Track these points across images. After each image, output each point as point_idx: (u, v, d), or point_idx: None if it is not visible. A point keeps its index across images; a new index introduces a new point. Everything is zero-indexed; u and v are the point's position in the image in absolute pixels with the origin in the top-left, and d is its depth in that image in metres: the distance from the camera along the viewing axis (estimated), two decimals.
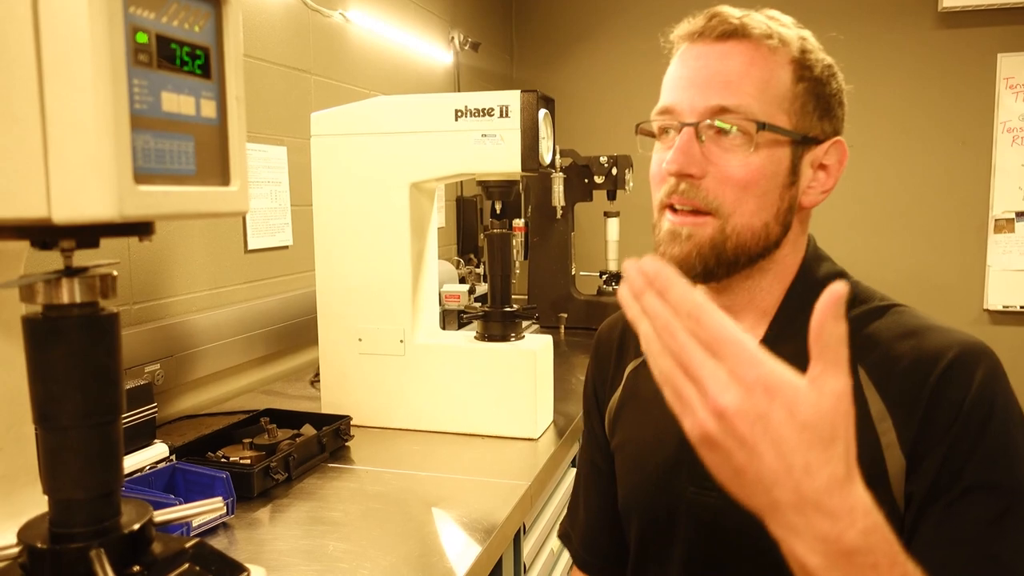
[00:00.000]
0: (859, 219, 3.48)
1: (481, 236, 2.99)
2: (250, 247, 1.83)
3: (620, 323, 0.95)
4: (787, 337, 0.74)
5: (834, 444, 0.47)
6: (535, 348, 1.47)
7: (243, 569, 0.56)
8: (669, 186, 0.74)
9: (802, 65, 0.73)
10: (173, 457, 1.17)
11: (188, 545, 0.56)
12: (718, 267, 0.74)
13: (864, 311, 0.75)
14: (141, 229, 0.51)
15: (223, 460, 1.22)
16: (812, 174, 0.76)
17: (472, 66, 3.35)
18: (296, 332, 1.98)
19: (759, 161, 0.71)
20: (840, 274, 0.80)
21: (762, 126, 0.71)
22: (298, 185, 1.99)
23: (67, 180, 0.43)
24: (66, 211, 0.43)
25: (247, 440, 1.30)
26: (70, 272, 0.50)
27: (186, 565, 0.54)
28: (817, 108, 0.74)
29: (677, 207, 0.74)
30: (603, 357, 0.95)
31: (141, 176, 0.45)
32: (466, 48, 3.15)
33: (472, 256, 2.92)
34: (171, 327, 1.59)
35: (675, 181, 0.73)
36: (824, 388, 0.47)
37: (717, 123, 0.71)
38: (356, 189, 1.50)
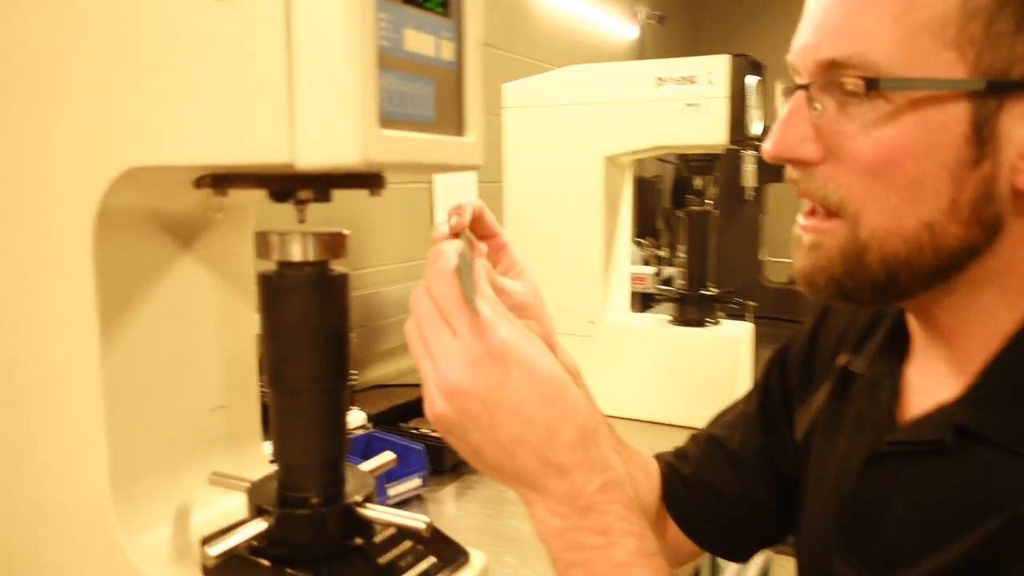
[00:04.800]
0: None
1: (663, 217, 2.87)
2: (438, 222, 1.85)
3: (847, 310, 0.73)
4: (1004, 389, 0.51)
5: (568, 395, 0.47)
6: (736, 335, 1.36)
7: (464, 554, 0.52)
8: (787, 172, 0.55)
9: None
10: (370, 425, 1.18)
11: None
12: (859, 289, 0.52)
13: None
14: (375, 181, 0.47)
15: (413, 431, 1.22)
16: None
17: (655, 40, 3.22)
18: None
19: (897, 134, 0.48)
20: None
21: (873, 84, 0.47)
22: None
23: (312, 122, 0.39)
24: (310, 156, 0.39)
25: None
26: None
27: (408, 544, 0.50)
28: None
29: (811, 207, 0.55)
30: (826, 335, 0.73)
31: (385, 120, 0.41)
32: (651, 21, 3.02)
33: (651, 238, 2.81)
34: (365, 297, 1.64)
35: (790, 167, 0.55)
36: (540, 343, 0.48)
37: (841, 81, 0.50)
38: (548, 162, 1.45)
